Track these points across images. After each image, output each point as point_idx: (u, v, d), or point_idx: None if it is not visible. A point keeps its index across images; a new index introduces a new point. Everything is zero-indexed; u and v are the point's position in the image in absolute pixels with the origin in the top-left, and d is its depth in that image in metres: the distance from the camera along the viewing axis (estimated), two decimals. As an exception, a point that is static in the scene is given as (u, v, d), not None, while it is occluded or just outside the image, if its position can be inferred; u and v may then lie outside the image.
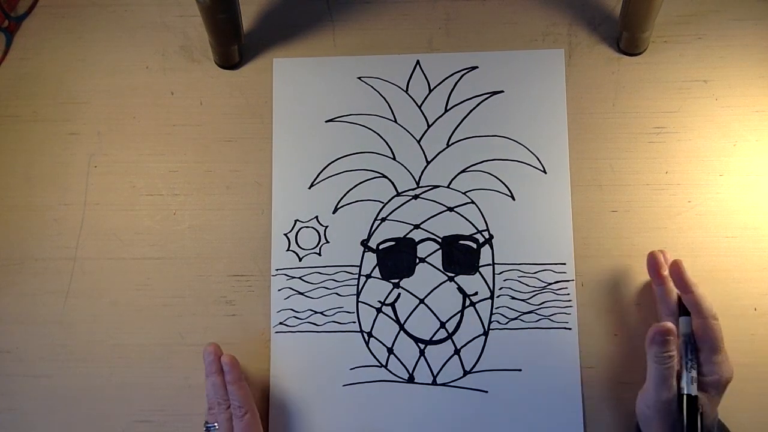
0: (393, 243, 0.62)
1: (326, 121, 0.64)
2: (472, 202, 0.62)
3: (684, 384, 0.51)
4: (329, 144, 0.64)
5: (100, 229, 0.63)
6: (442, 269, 0.61)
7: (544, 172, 0.62)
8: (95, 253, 0.63)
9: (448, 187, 0.62)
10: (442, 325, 0.61)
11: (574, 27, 0.65)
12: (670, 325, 0.52)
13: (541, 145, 0.62)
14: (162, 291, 0.62)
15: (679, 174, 0.62)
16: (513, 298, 0.60)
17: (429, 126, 0.63)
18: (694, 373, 0.52)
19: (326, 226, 0.62)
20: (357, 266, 0.62)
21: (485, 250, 0.61)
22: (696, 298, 0.53)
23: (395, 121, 0.64)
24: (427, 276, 0.61)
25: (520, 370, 0.60)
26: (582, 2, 0.65)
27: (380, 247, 0.62)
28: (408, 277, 0.61)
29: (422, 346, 0.60)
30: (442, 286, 0.61)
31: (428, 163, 0.63)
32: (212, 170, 0.64)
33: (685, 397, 0.51)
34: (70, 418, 0.61)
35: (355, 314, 0.61)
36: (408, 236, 0.62)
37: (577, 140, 0.63)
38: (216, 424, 0.56)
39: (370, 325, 0.61)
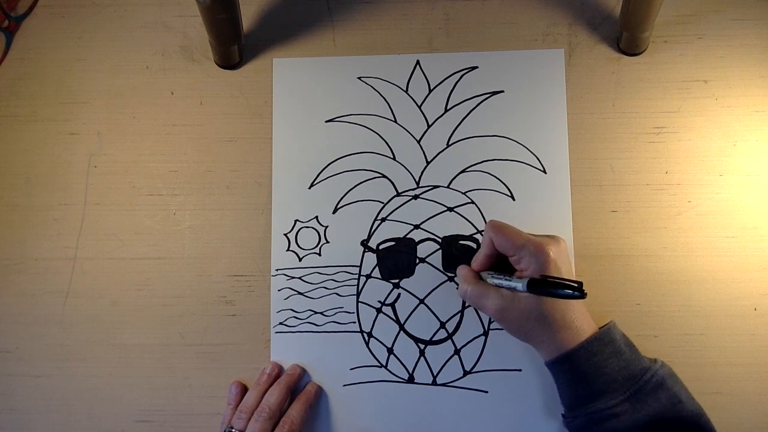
0: (393, 243, 0.62)
1: (326, 121, 0.64)
2: (472, 202, 0.62)
3: (516, 287, 0.52)
4: (329, 144, 0.64)
5: (100, 229, 0.64)
6: (442, 269, 0.61)
7: (544, 172, 0.62)
8: (95, 253, 0.63)
9: (448, 187, 0.62)
10: (442, 325, 0.61)
11: (574, 27, 0.65)
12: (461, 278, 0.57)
13: (541, 145, 0.62)
14: (162, 291, 0.62)
15: (679, 174, 0.62)
16: (513, 298, 0.60)
17: (429, 126, 0.63)
18: (511, 282, 0.52)
19: (326, 226, 0.62)
20: (357, 266, 0.62)
21: (485, 250, 0.61)
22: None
23: (395, 121, 0.64)
24: (427, 276, 0.61)
25: (520, 370, 0.60)
26: (582, 2, 0.65)
27: (380, 247, 0.62)
28: (408, 277, 0.61)
29: (422, 346, 0.60)
30: (442, 286, 0.61)
31: (428, 163, 0.63)
32: (212, 170, 0.64)
33: (527, 284, 0.50)
34: (70, 418, 0.61)
35: (355, 314, 0.61)
36: (408, 236, 0.62)
37: (577, 140, 0.63)
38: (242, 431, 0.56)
39: (370, 325, 0.61)
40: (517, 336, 0.55)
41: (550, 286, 0.48)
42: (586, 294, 0.47)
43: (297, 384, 0.60)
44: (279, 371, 0.60)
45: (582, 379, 0.52)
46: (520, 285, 0.51)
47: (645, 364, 0.52)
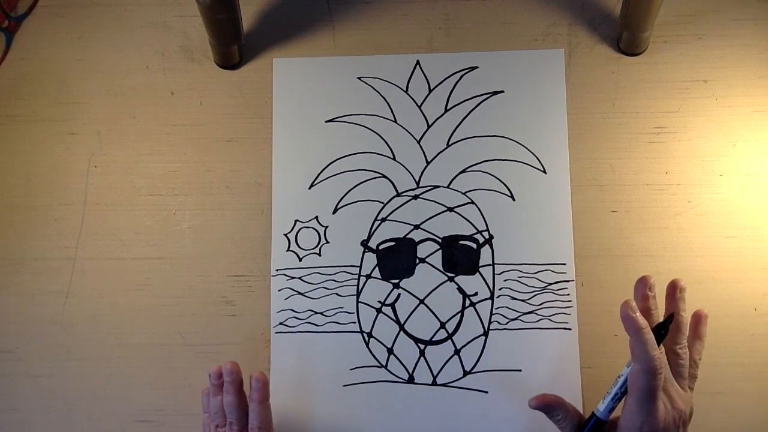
0: (393, 243, 0.62)
1: (326, 121, 0.64)
2: (472, 203, 0.62)
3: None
4: (329, 144, 0.64)
5: (100, 229, 0.64)
6: (442, 269, 0.61)
7: (544, 172, 0.62)
8: (95, 253, 0.63)
9: (448, 187, 0.62)
10: (442, 325, 0.61)
11: (574, 27, 0.65)
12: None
13: (541, 145, 0.62)
14: (162, 291, 0.62)
15: (679, 174, 0.62)
16: (513, 298, 0.60)
17: (429, 126, 0.63)
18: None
19: (326, 227, 0.62)
20: (357, 266, 0.62)
21: (485, 250, 0.61)
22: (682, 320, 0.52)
23: (395, 121, 0.64)
24: (427, 276, 0.61)
25: (520, 370, 0.60)
26: (582, 2, 0.65)
27: (380, 247, 0.62)
28: (408, 277, 0.61)
29: (422, 346, 0.60)
30: (442, 286, 0.61)
31: (428, 163, 0.63)
32: (212, 170, 0.64)
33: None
34: (70, 418, 0.61)
35: (355, 314, 0.61)
36: (408, 236, 0.62)
37: (577, 140, 0.63)
38: None
39: (370, 326, 0.61)
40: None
41: None
42: None
43: (241, 379, 0.56)
44: (236, 375, 0.55)
45: None
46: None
47: None
